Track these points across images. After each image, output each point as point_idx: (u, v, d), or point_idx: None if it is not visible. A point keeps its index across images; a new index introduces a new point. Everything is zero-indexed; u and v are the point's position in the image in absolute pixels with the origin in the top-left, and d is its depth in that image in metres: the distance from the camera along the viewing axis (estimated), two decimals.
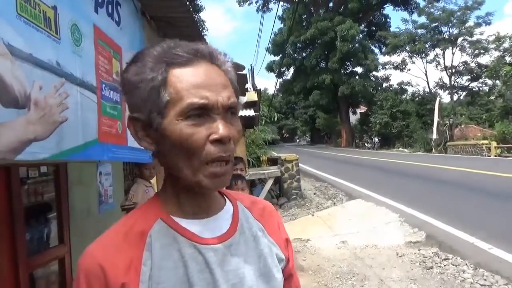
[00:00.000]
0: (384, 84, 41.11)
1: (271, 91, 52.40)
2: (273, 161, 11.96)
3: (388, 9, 48.60)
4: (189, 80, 0.64)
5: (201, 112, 0.63)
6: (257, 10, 44.00)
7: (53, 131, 1.27)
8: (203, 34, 3.05)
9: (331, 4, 42.59)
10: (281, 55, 42.16)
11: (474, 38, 32.54)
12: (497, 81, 24.83)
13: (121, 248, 0.65)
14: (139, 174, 3.70)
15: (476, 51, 32.59)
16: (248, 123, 11.40)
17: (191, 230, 0.68)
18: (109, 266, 0.63)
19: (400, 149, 30.22)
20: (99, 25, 1.67)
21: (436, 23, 33.56)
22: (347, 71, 41.95)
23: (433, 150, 24.91)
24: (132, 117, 0.68)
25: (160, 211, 0.69)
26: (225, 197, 0.78)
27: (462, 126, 26.97)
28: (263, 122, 16.87)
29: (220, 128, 0.63)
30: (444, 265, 4.64)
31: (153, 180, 4.54)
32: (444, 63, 35.34)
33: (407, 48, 34.66)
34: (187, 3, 2.40)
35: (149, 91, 0.64)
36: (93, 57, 1.61)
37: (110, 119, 1.90)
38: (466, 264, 4.59)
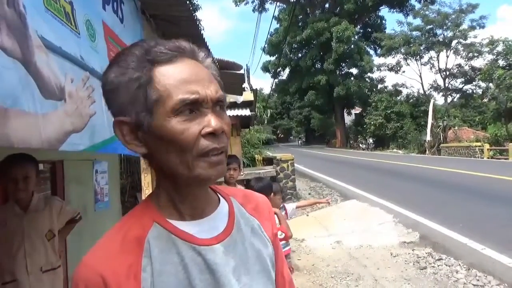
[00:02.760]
0: (379, 86, 41.29)
1: (266, 91, 52.48)
2: (268, 161, 11.97)
3: (384, 11, 48.74)
4: (176, 77, 0.63)
5: (192, 108, 0.63)
6: (253, 10, 44.11)
7: (86, 124, 1.29)
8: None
9: (327, 5, 42.74)
10: (277, 56, 42.20)
11: (468, 41, 32.87)
12: (491, 84, 25.01)
13: (119, 255, 0.63)
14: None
15: (470, 54, 32.88)
16: (244, 122, 11.40)
17: (189, 232, 0.67)
18: (109, 275, 0.61)
19: (394, 150, 30.39)
20: (107, 21, 1.67)
21: (431, 26, 33.82)
22: (343, 72, 42.14)
23: (427, 152, 25.08)
24: (118, 121, 0.67)
25: (154, 215, 0.68)
26: (218, 194, 0.77)
27: (456, 128, 27.17)
28: (265, 122, 16.86)
29: (212, 121, 0.63)
30: (438, 266, 4.69)
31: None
32: (438, 65, 35.67)
33: (402, 50, 34.88)
34: (187, 2, 2.40)
35: (135, 91, 0.64)
36: (106, 53, 1.62)
37: None
38: (459, 264, 4.64)
